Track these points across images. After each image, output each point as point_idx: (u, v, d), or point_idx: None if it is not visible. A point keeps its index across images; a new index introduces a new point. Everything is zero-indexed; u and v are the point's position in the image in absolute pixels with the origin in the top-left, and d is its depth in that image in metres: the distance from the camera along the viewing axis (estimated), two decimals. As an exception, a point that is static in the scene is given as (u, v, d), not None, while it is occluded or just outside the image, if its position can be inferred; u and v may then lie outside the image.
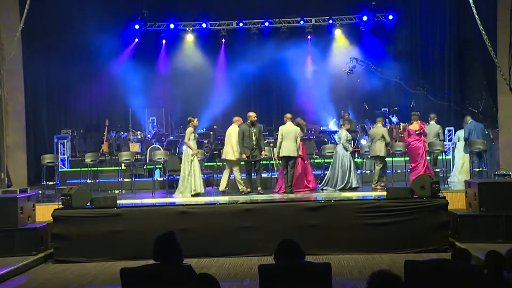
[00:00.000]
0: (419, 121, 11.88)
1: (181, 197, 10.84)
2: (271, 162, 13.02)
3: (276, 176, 12.55)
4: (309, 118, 17.72)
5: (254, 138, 11.00)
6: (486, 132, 13.15)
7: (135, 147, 15.36)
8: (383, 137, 11.64)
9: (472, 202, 9.05)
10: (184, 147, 11.37)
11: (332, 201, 9.27)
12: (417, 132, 11.70)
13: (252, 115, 11.17)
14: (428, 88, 17.27)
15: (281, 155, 10.99)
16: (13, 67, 12.55)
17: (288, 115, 11.28)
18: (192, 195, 10.82)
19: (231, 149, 11.33)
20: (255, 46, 17.69)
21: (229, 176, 11.63)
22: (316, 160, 13.75)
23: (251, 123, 11.08)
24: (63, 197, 9.17)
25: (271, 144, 13.92)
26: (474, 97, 16.61)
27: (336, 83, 17.83)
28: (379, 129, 11.88)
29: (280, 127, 11.21)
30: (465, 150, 12.64)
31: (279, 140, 11.05)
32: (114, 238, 8.86)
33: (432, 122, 12.51)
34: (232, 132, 11.40)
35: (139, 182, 13.25)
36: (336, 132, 16.16)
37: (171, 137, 16.02)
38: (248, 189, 11.15)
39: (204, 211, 9.06)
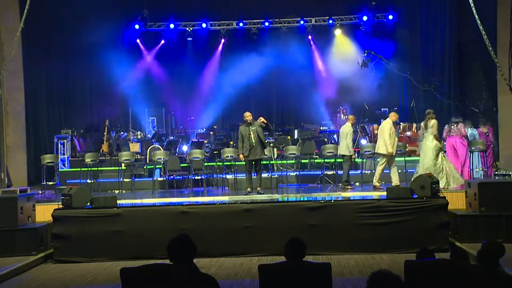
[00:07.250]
0: (486, 125, 13.32)
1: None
2: (271, 162, 13.02)
3: (276, 176, 12.60)
4: (309, 118, 17.79)
5: (253, 137, 10.99)
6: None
7: (135, 147, 15.36)
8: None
9: (472, 202, 9.05)
10: (430, 140, 11.07)
11: (332, 201, 9.28)
12: (487, 134, 13.00)
13: (245, 115, 11.21)
14: (437, 86, 17.26)
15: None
16: (13, 67, 12.56)
17: (349, 116, 12.38)
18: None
19: (383, 143, 11.27)
20: (255, 46, 17.69)
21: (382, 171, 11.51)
22: (316, 160, 13.75)
23: (247, 122, 11.09)
24: (63, 197, 9.17)
25: (271, 144, 13.94)
26: (474, 97, 16.59)
27: (336, 83, 17.81)
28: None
29: None
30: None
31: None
32: (114, 238, 8.85)
33: None
34: (385, 127, 11.39)
35: (139, 182, 13.25)
36: (335, 131, 16.16)
37: (171, 137, 16.01)
38: (248, 189, 11.13)
39: (204, 211, 9.05)
